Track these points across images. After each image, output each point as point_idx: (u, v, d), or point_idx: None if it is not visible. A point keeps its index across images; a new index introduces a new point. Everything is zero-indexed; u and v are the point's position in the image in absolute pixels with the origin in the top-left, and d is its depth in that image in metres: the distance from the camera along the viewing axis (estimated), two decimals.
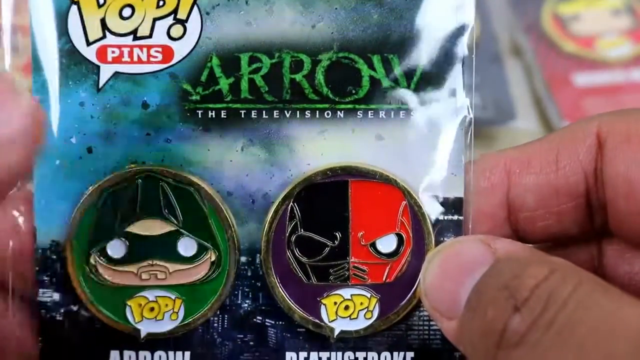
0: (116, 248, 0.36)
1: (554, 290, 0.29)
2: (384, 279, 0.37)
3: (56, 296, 0.37)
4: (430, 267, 0.35)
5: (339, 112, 0.37)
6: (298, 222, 0.37)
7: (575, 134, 0.36)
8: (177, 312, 0.37)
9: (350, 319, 0.37)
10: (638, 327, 0.27)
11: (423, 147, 0.37)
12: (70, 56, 0.36)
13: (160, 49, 0.36)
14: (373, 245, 0.37)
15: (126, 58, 0.36)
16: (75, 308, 0.37)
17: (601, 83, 0.74)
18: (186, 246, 0.36)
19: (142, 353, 0.37)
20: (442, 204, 0.37)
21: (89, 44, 0.36)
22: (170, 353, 0.37)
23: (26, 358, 0.37)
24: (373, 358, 0.37)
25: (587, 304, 0.28)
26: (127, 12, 0.36)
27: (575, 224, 0.37)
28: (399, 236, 0.37)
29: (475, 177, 0.37)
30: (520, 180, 0.36)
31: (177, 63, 0.36)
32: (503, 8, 0.81)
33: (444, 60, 0.37)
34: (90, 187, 0.36)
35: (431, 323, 0.37)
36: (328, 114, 0.37)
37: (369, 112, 0.37)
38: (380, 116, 0.37)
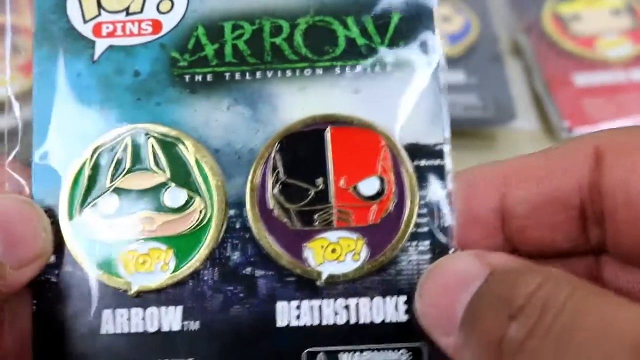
0: (108, 203, 0.38)
1: (550, 296, 0.29)
2: (369, 220, 0.37)
3: (52, 258, 0.38)
4: (424, 285, 0.35)
5: (317, 70, 0.39)
6: (281, 170, 0.38)
7: (573, 147, 0.37)
8: (167, 263, 0.37)
9: (338, 261, 0.37)
10: (636, 329, 0.27)
11: (399, 98, 0.38)
12: (68, 33, 0.39)
13: (150, 23, 0.39)
14: (355, 188, 0.38)
15: (119, 32, 0.39)
16: (70, 269, 0.38)
17: (601, 83, 0.74)
18: (174, 196, 0.38)
19: (134, 310, 0.37)
20: (421, 149, 0.38)
21: (85, 21, 0.39)
22: (162, 308, 0.37)
23: None
24: (365, 304, 0.37)
25: (584, 309, 0.29)
26: None
27: (569, 237, 0.37)
28: (381, 179, 0.38)
29: (472, 185, 0.38)
30: (515, 189, 0.37)
31: (166, 34, 0.39)
32: (503, 8, 0.82)
33: (415, 15, 0.39)
34: (84, 148, 0.38)
35: (420, 266, 0.37)
36: (307, 72, 0.39)
37: (346, 68, 0.39)
38: (357, 71, 0.39)
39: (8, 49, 0.40)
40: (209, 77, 0.39)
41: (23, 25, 0.41)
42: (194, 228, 0.37)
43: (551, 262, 0.38)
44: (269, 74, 0.39)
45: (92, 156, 0.38)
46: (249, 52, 0.39)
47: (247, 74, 0.39)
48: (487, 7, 0.83)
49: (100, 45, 0.39)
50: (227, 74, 0.39)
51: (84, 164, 0.38)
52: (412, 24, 0.39)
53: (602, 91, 0.73)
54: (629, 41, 0.78)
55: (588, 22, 0.80)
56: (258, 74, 0.39)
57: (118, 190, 0.38)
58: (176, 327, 0.37)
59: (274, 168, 0.38)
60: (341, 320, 0.37)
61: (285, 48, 0.39)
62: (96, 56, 0.39)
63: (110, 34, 0.39)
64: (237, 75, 0.39)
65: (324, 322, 0.37)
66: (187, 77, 0.39)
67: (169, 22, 0.39)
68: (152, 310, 0.37)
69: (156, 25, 0.39)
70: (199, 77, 0.39)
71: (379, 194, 0.38)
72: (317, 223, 0.37)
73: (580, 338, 0.28)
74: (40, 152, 0.38)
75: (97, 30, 0.39)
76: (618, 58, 0.76)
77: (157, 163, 0.38)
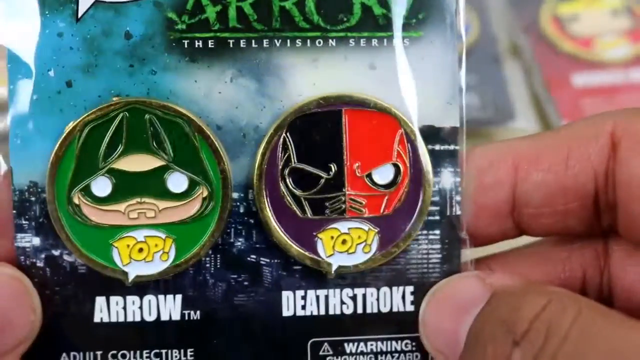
0: (101, 186, 0.34)
1: (554, 320, 0.28)
2: (382, 210, 0.36)
3: (36, 240, 0.35)
4: (428, 308, 0.35)
5: (330, 41, 0.35)
6: (291, 154, 0.35)
7: (588, 131, 0.36)
8: (167, 253, 0.35)
9: (348, 253, 0.36)
10: None
11: (417, 76, 0.36)
12: None
13: None
14: (369, 176, 0.36)
15: None
16: (57, 253, 0.35)
17: (600, 83, 0.74)
18: (177, 182, 0.35)
19: (130, 298, 0.35)
20: (437, 133, 0.36)
21: None
22: (161, 297, 0.35)
23: None
24: (372, 294, 0.36)
25: (590, 334, 0.28)
26: None
27: (580, 223, 0.36)
28: (396, 166, 0.36)
29: (481, 171, 0.36)
30: (527, 176, 0.35)
31: None
32: (502, 8, 0.81)
33: None
34: (72, 122, 0.34)
35: (430, 256, 0.36)
36: (319, 43, 0.35)
37: (362, 40, 0.36)
38: (373, 44, 0.36)
39: None
40: (210, 44, 0.35)
41: None
42: (197, 216, 0.35)
43: (559, 249, 0.38)
44: (278, 42, 0.35)
45: (81, 132, 0.34)
46: (256, 16, 0.35)
47: (253, 41, 0.35)
48: (486, 8, 0.80)
49: (85, 0, 0.34)
50: (231, 41, 0.35)
51: (72, 141, 0.34)
52: None
53: (601, 92, 0.73)
54: (628, 42, 0.76)
55: (587, 23, 0.78)
56: (265, 42, 0.35)
57: (113, 172, 0.34)
58: (176, 316, 0.35)
59: (284, 151, 0.35)
60: (347, 310, 0.36)
61: (295, 14, 0.35)
62: (80, 13, 0.34)
63: None
64: (242, 43, 0.35)
65: (330, 312, 0.36)
66: (185, 43, 0.35)
67: None
68: (150, 298, 0.35)
69: None
70: (199, 43, 0.35)
71: (393, 182, 0.36)
72: (328, 212, 0.35)
73: None
74: (18, 126, 0.34)
75: None
76: (617, 58, 0.75)
77: (158, 144, 0.34)
